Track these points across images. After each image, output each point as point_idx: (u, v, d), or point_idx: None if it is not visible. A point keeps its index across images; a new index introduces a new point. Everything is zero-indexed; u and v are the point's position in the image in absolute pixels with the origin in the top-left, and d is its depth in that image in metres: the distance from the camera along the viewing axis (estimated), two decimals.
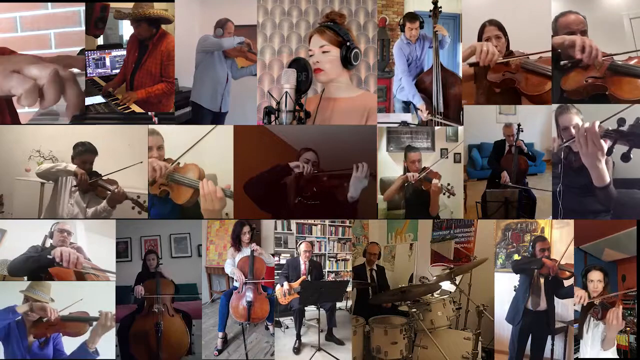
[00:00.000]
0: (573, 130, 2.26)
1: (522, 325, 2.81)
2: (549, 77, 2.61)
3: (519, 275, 2.90)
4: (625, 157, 1.99)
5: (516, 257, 2.99)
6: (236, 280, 3.10)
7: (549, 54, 2.65)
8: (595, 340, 2.71)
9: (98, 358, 2.75)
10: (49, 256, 2.76)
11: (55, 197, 2.96)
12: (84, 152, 2.92)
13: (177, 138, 2.91)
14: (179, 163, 2.73)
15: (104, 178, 2.90)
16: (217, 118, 3.23)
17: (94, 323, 2.75)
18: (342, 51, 2.67)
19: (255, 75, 3.23)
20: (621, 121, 2.00)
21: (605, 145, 1.99)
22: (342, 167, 2.78)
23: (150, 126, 2.87)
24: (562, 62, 2.35)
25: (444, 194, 2.91)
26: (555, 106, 2.80)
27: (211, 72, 3.21)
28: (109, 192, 2.84)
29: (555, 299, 2.85)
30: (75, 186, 2.87)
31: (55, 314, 2.70)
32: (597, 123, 2.01)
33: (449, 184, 2.93)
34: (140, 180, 2.89)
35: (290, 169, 2.76)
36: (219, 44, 3.16)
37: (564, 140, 2.27)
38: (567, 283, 2.83)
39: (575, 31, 2.58)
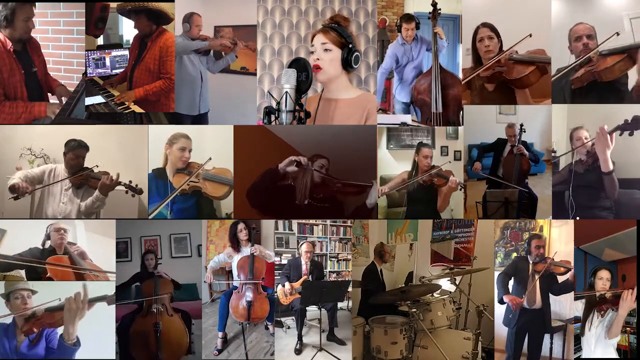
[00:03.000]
0: (585, 140, 2.94)
1: (519, 324, 2.81)
2: (531, 63, 2.98)
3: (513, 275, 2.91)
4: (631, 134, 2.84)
5: (514, 255, 2.99)
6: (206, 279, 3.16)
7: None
8: (600, 335, 2.72)
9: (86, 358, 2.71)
10: None
11: (45, 197, 2.95)
12: (77, 147, 2.95)
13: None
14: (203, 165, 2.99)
15: (94, 171, 2.92)
16: (197, 120, 3.21)
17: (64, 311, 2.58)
18: (344, 53, 2.67)
19: (247, 72, 3.22)
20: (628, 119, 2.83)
21: (615, 133, 2.84)
22: (347, 168, 2.86)
23: (181, 129, 3.00)
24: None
25: (460, 189, 2.95)
26: (554, 106, 2.96)
27: (184, 76, 3.16)
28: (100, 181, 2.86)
29: (551, 296, 2.84)
30: (13, 198, 2.85)
31: None
32: (605, 126, 2.81)
33: (465, 180, 3.00)
34: (139, 173, 2.93)
35: (279, 171, 2.72)
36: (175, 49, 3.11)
37: (574, 147, 2.97)
38: (561, 279, 2.84)
39: (582, 36, 2.93)
